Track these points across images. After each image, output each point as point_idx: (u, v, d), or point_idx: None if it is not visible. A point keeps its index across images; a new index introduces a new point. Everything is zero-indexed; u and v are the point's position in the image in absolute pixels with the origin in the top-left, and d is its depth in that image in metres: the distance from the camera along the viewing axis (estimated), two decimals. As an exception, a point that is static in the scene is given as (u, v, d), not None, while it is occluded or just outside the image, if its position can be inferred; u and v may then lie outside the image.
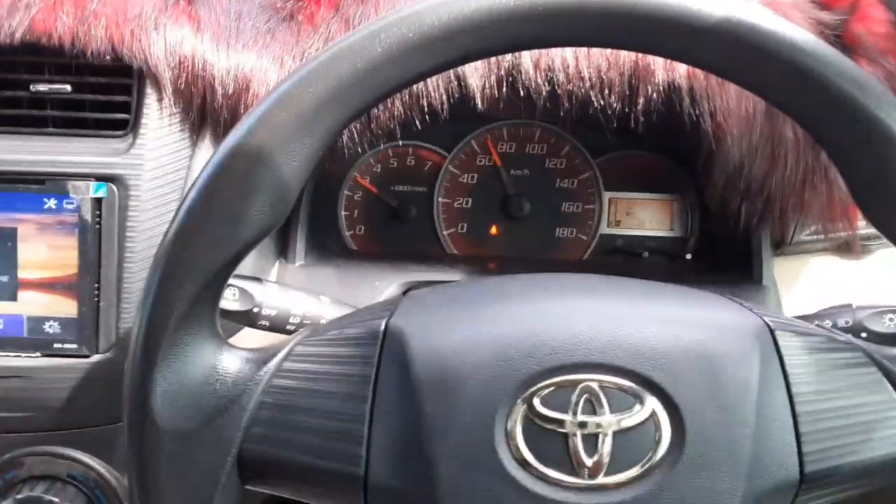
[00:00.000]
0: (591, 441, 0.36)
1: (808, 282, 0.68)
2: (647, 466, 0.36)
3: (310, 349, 0.40)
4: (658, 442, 0.36)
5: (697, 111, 0.59)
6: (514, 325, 0.38)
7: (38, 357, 0.57)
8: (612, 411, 0.36)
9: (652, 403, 0.36)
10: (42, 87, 0.58)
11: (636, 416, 0.36)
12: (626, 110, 0.60)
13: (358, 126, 0.61)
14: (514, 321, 0.39)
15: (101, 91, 0.59)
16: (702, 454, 0.36)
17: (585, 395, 0.36)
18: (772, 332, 0.39)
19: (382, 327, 0.39)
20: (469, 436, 0.36)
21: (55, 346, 0.57)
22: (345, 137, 0.62)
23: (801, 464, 0.37)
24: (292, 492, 0.41)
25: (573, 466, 0.36)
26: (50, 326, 0.57)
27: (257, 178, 0.36)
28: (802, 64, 0.36)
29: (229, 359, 0.40)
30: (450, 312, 0.40)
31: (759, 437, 0.37)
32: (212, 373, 0.39)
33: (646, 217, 0.77)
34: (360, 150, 0.63)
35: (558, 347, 0.37)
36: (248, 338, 0.56)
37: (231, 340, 0.42)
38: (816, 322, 0.52)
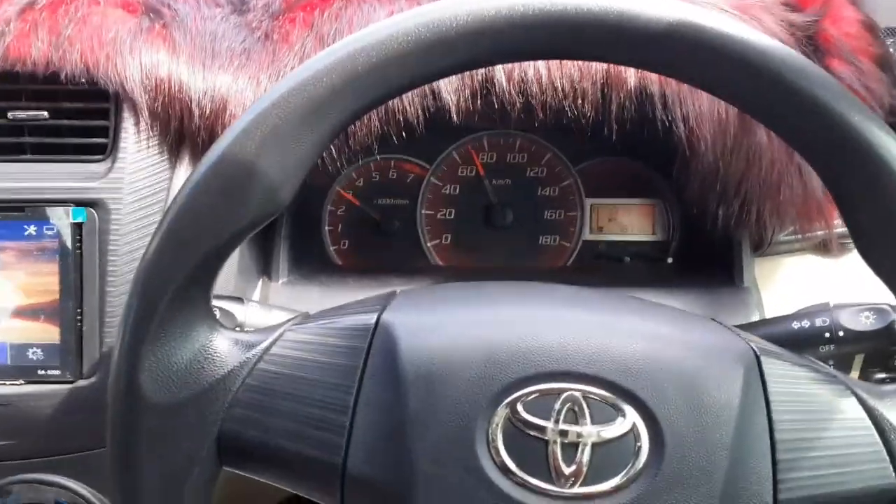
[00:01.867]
0: (571, 450, 0.36)
1: (787, 281, 0.68)
2: (623, 480, 0.36)
3: (299, 336, 0.40)
4: (636, 456, 0.36)
5: (670, 117, 0.60)
6: (503, 330, 0.38)
7: (21, 384, 0.57)
8: (593, 422, 0.36)
9: (633, 417, 0.36)
10: (20, 115, 0.59)
11: (617, 428, 0.36)
12: (600, 118, 0.60)
13: (336, 142, 0.61)
14: (503, 325, 0.39)
15: (79, 116, 0.59)
16: (679, 472, 0.36)
17: (568, 405, 0.37)
18: (757, 357, 0.39)
19: (374, 321, 0.39)
20: (450, 434, 0.36)
21: (39, 372, 0.57)
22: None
23: (776, 491, 0.37)
24: (269, 476, 0.41)
25: (551, 474, 0.36)
26: (33, 353, 0.57)
27: (264, 161, 0.36)
28: (767, 70, 0.36)
29: (220, 340, 0.40)
30: (441, 312, 0.41)
31: (736, 459, 0.36)
32: (200, 352, 0.39)
33: (628, 222, 0.78)
34: (339, 165, 0.63)
35: (545, 355, 0.37)
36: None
37: None
38: (794, 321, 0.53)
